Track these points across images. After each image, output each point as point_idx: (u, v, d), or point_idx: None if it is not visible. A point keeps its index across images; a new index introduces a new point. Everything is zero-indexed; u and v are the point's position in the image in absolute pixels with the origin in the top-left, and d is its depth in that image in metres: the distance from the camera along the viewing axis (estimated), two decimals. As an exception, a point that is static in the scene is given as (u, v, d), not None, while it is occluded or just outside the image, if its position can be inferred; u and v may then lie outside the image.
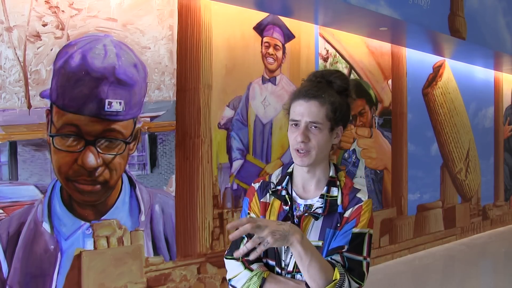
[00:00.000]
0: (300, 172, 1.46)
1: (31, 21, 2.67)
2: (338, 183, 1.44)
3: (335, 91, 1.40)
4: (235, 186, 3.72)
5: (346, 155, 4.71)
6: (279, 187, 1.47)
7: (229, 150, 3.70)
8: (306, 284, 1.29)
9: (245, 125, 3.81)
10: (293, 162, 1.50)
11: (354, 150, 4.78)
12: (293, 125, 1.40)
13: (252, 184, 1.54)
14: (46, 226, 2.72)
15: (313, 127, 1.36)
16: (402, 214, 5.35)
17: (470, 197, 6.47)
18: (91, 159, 2.88)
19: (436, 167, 5.92)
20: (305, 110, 1.37)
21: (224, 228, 3.63)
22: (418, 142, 5.57)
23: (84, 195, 2.87)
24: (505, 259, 5.75)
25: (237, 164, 3.75)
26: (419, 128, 5.59)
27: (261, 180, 1.53)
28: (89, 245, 2.88)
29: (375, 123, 5.03)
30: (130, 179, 3.10)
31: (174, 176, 3.33)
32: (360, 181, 4.80)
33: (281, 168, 1.55)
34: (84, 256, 2.86)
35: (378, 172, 5.08)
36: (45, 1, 2.72)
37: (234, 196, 3.71)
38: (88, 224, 2.88)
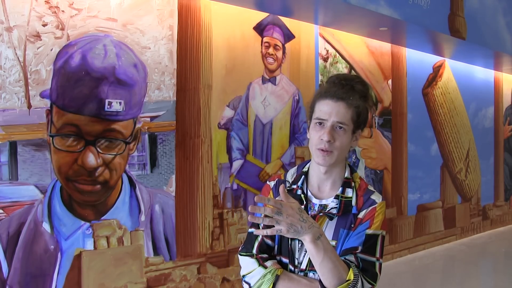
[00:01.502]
0: (316, 172, 1.46)
1: (31, 21, 2.67)
2: (353, 184, 1.45)
3: (358, 95, 1.41)
4: (235, 186, 3.72)
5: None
6: (295, 186, 1.48)
7: (229, 150, 3.70)
8: (320, 281, 1.30)
9: (245, 125, 3.81)
10: (308, 161, 1.51)
11: (354, 150, 4.78)
12: (318, 124, 1.40)
13: (268, 182, 1.56)
14: (46, 226, 2.72)
15: (338, 127, 1.38)
16: (402, 214, 5.35)
17: (470, 197, 6.47)
18: (91, 159, 2.88)
19: (436, 167, 5.92)
20: (332, 110, 1.38)
21: (224, 228, 3.63)
22: (418, 142, 5.57)
23: (84, 195, 2.87)
24: (505, 259, 5.75)
25: (237, 164, 3.75)
26: (419, 128, 5.59)
27: (277, 178, 1.54)
28: (89, 245, 2.88)
29: (375, 123, 5.03)
30: (130, 179, 3.10)
31: (174, 176, 3.33)
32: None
33: (296, 167, 1.55)
34: (84, 256, 2.86)
35: (378, 172, 5.08)
36: (45, 1, 2.72)
37: (234, 196, 3.71)
38: (88, 224, 2.88)
